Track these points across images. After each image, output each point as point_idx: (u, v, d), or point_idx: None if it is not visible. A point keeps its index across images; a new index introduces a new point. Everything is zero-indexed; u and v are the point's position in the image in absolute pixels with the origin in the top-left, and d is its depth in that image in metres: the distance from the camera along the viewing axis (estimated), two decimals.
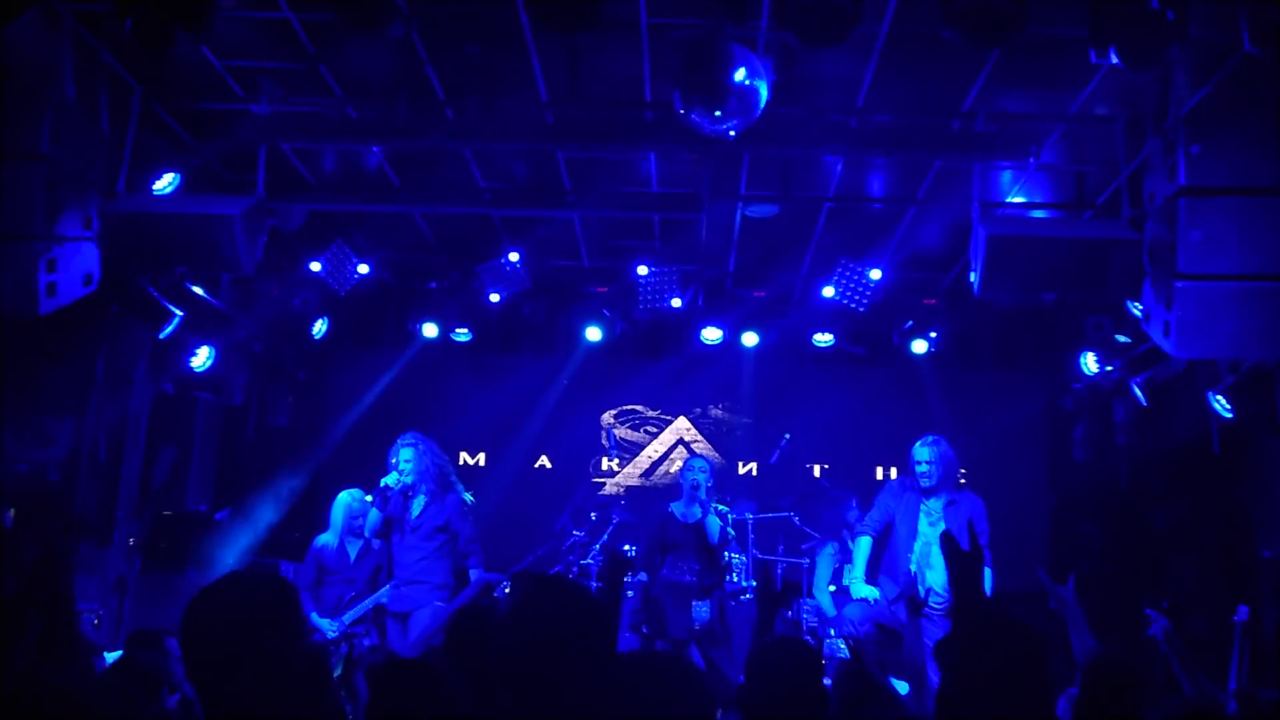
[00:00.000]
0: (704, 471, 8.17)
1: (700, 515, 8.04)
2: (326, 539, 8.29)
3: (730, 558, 8.62)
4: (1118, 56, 5.33)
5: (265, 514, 9.95)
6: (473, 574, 7.72)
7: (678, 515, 8.19)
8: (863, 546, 7.78)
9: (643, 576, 8.22)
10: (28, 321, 6.13)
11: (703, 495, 8.01)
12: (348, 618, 7.92)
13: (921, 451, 7.65)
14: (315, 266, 9.04)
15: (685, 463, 8.57)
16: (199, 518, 9.39)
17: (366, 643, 7.80)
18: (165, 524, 9.10)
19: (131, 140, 6.96)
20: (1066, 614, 4.64)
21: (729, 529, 8.30)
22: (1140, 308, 6.75)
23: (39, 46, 5.99)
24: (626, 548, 8.95)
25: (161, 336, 7.85)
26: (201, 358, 8.73)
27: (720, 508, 8.23)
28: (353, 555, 8.19)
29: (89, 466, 7.90)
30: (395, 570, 7.88)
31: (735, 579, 8.60)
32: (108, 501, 8.27)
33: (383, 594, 7.90)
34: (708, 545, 8.01)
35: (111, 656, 5.50)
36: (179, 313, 7.78)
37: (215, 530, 9.52)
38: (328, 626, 7.89)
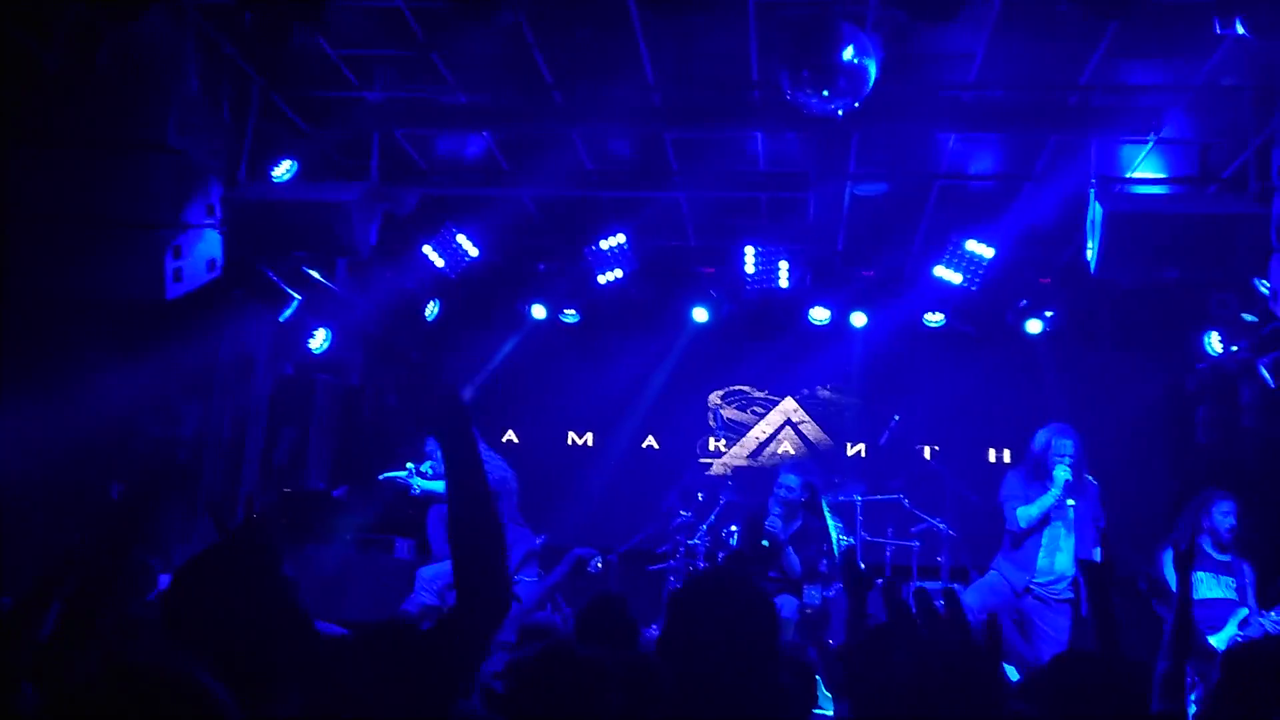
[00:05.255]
0: (790, 491, 8.01)
1: (778, 529, 7.95)
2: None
3: (838, 539, 8.51)
4: (1244, 27, 5.14)
5: (381, 491, 10.18)
6: None
7: (769, 519, 8.08)
8: None
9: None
10: (156, 305, 6.38)
11: (779, 525, 7.89)
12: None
13: (1066, 444, 7.33)
14: (427, 250, 9.20)
15: (777, 478, 8.32)
16: (318, 495, 9.66)
17: None
18: (286, 501, 9.38)
19: (251, 130, 7.18)
20: (1158, 597, 4.47)
21: (832, 533, 8.18)
22: (1268, 285, 6.51)
23: (164, 41, 6.21)
24: (733, 528, 8.90)
25: (281, 319, 8.07)
26: (319, 340, 8.98)
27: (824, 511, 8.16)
28: None
29: (215, 445, 8.18)
30: None
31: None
32: (232, 479, 8.56)
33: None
34: (781, 565, 7.96)
35: None
36: (298, 296, 7.99)
37: (334, 507, 9.77)
38: None
